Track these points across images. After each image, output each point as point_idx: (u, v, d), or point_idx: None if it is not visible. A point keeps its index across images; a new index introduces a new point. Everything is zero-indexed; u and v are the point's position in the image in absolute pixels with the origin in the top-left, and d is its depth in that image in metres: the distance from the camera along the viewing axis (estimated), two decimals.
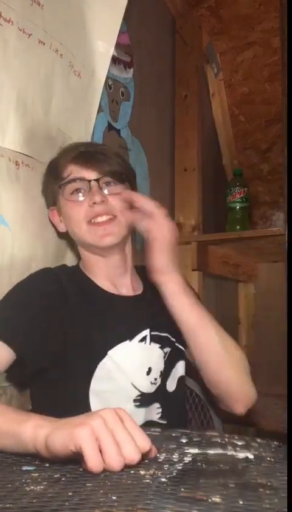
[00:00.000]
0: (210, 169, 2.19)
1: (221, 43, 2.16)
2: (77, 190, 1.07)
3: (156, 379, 1.06)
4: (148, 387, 1.04)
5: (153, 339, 1.07)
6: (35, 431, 0.65)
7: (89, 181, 1.05)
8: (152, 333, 1.08)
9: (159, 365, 1.08)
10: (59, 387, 1.01)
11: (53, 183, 1.12)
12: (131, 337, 1.05)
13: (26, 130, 1.15)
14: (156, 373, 1.06)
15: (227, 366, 1.02)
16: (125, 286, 1.11)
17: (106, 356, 1.00)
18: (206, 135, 2.13)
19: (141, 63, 1.75)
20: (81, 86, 1.34)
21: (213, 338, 1.02)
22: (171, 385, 1.10)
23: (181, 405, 1.15)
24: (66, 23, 1.27)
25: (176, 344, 1.12)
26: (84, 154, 1.09)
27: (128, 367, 1.02)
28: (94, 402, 0.98)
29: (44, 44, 1.19)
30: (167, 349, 1.10)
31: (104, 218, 1.05)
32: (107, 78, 1.49)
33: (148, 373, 1.05)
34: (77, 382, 0.99)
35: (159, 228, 1.00)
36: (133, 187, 1.14)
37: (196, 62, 2.01)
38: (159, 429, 0.82)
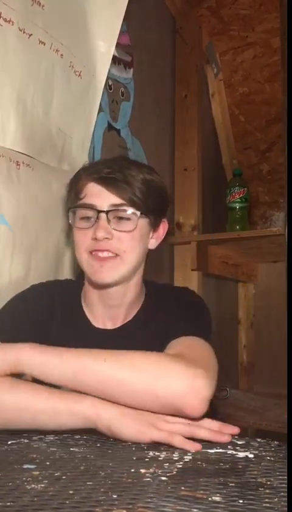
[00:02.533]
0: (210, 169, 2.19)
1: (221, 43, 2.16)
2: (87, 217, 0.99)
3: None
4: None
5: None
6: (96, 410, 0.74)
7: (99, 212, 0.97)
8: None
9: None
10: None
11: (68, 202, 1.07)
12: None
13: (27, 130, 1.15)
14: None
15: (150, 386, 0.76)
16: (113, 318, 1.05)
17: None
18: (206, 135, 2.13)
19: (141, 63, 1.75)
20: (81, 86, 1.34)
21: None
22: None
23: None
24: (67, 23, 1.27)
25: None
26: (104, 178, 0.99)
27: None
28: None
29: (44, 44, 1.19)
30: None
31: (105, 254, 0.98)
32: (108, 78, 1.49)
33: None
34: None
35: None
36: (157, 220, 1.05)
37: (196, 62, 2.02)
38: None
